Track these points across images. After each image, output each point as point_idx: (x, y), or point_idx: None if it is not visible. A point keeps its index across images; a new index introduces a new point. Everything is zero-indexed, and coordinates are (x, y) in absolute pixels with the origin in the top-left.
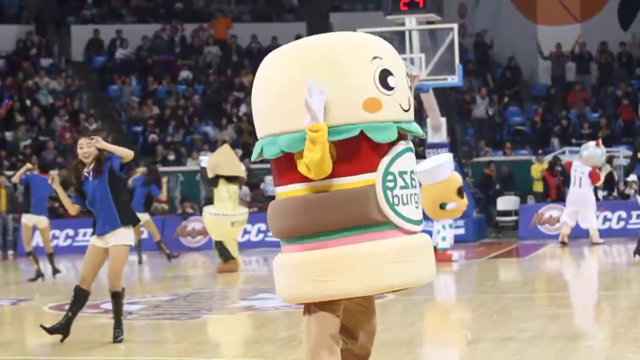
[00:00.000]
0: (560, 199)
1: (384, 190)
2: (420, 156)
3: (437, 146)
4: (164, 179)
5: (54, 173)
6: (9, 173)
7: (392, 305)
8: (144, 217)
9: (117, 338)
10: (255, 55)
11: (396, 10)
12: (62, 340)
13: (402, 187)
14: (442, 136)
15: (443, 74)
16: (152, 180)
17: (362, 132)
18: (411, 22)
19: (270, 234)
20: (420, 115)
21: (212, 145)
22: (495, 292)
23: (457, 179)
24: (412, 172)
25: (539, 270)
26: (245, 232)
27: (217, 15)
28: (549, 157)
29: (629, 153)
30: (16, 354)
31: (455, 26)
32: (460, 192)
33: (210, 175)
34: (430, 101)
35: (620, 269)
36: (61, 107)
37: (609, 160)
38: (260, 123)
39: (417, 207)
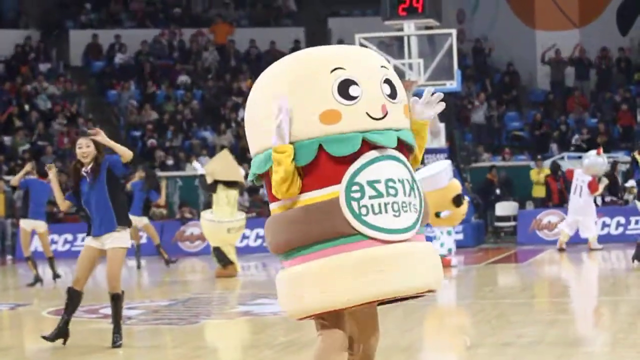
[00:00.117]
0: (563, 202)
1: (348, 202)
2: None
3: (435, 151)
4: (162, 183)
5: (52, 165)
6: (8, 178)
7: (391, 310)
8: (142, 220)
9: (116, 343)
10: (253, 60)
11: (395, 15)
12: (64, 343)
13: (372, 197)
14: (441, 141)
15: (441, 79)
16: (150, 186)
17: (321, 146)
18: (410, 28)
19: None
20: None
21: (211, 150)
22: (494, 298)
23: (455, 187)
24: (389, 180)
25: (537, 275)
26: (244, 237)
27: (217, 20)
28: (547, 163)
29: (628, 159)
30: (15, 359)
31: (453, 31)
32: (457, 201)
33: (209, 180)
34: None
35: (619, 274)
36: (59, 112)
37: (613, 166)
38: (249, 145)
39: (396, 216)
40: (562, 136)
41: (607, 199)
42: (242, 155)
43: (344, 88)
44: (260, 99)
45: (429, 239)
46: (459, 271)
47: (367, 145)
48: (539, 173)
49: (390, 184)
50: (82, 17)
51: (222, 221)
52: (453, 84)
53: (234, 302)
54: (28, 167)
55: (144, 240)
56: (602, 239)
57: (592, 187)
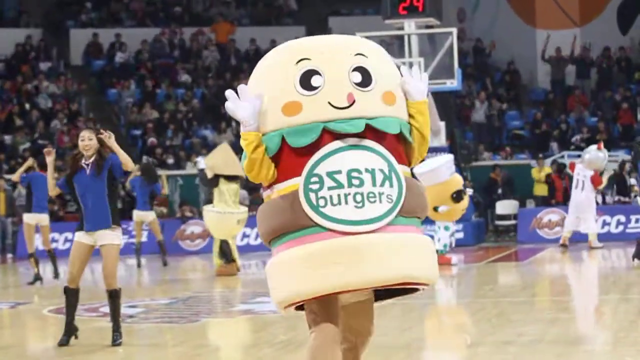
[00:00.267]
0: (567, 201)
1: (306, 193)
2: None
3: (436, 150)
4: (162, 174)
5: (51, 150)
6: (8, 176)
7: (391, 309)
8: (149, 216)
9: (116, 341)
10: (254, 59)
11: (395, 14)
12: (76, 338)
13: (331, 188)
14: (441, 140)
15: (442, 78)
16: (150, 180)
17: (284, 138)
18: (410, 27)
19: None
20: None
21: (211, 149)
22: (494, 296)
23: (456, 182)
24: (353, 170)
25: (538, 274)
26: (245, 235)
27: (217, 19)
28: (547, 161)
29: (628, 157)
30: (15, 357)
31: (454, 30)
32: (456, 196)
33: (209, 175)
34: (429, 105)
35: (619, 273)
36: (60, 111)
37: (621, 165)
38: None
39: (359, 207)
40: (562, 135)
41: (616, 198)
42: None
43: (306, 79)
44: (248, 89)
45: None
46: (459, 269)
47: (331, 135)
48: (540, 171)
49: (355, 174)
50: (83, 16)
51: (232, 212)
52: (454, 83)
53: (234, 301)
54: (29, 162)
55: (144, 239)
56: (602, 238)
57: (596, 181)
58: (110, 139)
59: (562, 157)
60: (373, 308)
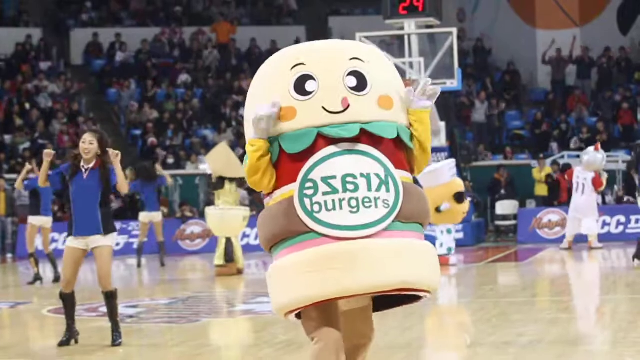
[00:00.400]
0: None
1: (300, 199)
2: None
3: (436, 150)
4: (157, 167)
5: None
6: (8, 176)
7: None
8: (158, 215)
9: (116, 342)
10: (254, 59)
11: (395, 14)
12: (76, 342)
13: (326, 193)
14: (442, 140)
15: (442, 78)
16: (148, 178)
17: (279, 144)
18: (410, 27)
19: None
20: None
21: (211, 149)
22: (494, 297)
23: (458, 184)
24: (348, 175)
25: (538, 274)
26: (245, 235)
27: (218, 19)
28: (548, 162)
29: (628, 158)
30: (15, 357)
31: (454, 30)
32: (458, 197)
33: (214, 178)
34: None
35: (619, 273)
36: (60, 111)
37: (629, 166)
38: None
39: (354, 212)
40: (562, 135)
41: (625, 199)
42: (244, 153)
43: (301, 84)
44: (248, 97)
45: (430, 238)
46: (459, 270)
47: (325, 140)
48: (540, 172)
49: (349, 179)
50: (83, 16)
51: (238, 209)
52: (454, 83)
53: (234, 301)
54: (28, 167)
55: (145, 239)
56: (602, 238)
57: (597, 183)
58: (116, 157)
59: (562, 157)
60: (372, 314)
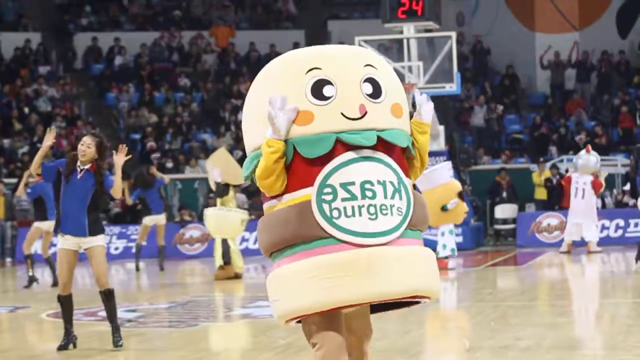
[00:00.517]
0: None
1: (319, 204)
2: None
3: (435, 154)
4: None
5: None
6: (7, 181)
7: (390, 312)
8: (162, 219)
9: (118, 343)
10: (253, 63)
11: (394, 18)
12: (74, 347)
13: (345, 199)
14: (440, 144)
15: (441, 82)
16: (145, 185)
17: (295, 147)
18: (409, 30)
19: None
20: None
21: (210, 153)
22: (493, 300)
23: (457, 184)
24: (366, 182)
25: (537, 278)
26: (243, 239)
27: (217, 23)
28: (547, 165)
29: (627, 161)
30: None
31: (453, 34)
32: (460, 196)
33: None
34: None
35: (618, 277)
36: (59, 115)
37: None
38: None
39: (373, 219)
40: (561, 139)
41: (631, 202)
42: (243, 157)
43: (318, 88)
44: (251, 100)
45: (431, 243)
46: (458, 273)
47: (343, 146)
48: (540, 175)
49: (368, 186)
50: (82, 20)
51: (238, 211)
52: (453, 87)
53: (233, 305)
54: (27, 173)
55: (143, 242)
56: (601, 242)
57: (596, 185)
58: (119, 160)
59: (562, 161)
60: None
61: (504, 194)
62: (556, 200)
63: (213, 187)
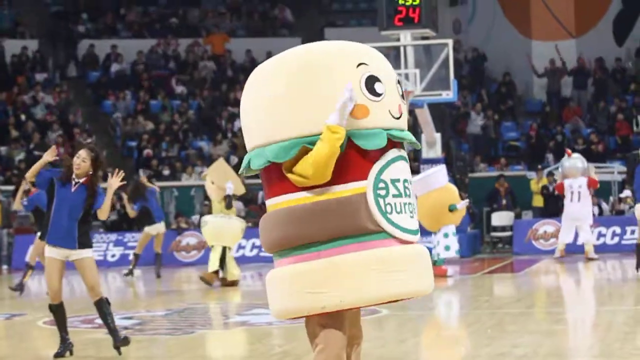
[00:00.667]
0: None
1: (376, 198)
2: (415, 171)
3: (431, 161)
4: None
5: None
6: (4, 188)
7: (387, 320)
8: (163, 227)
9: (119, 340)
10: (250, 71)
11: (391, 25)
12: (71, 354)
13: (394, 196)
14: (437, 151)
15: (438, 90)
16: (139, 197)
17: (350, 140)
18: (406, 38)
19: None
20: (414, 131)
21: (207, 161)
22: (489, 308)
23: (453, 188)
24: (405, 180)
25: (533, 285)
26: (240, 247)
27: (213, 30)
28: (544, 173)
29: (624, 169)
30: None
31: (450, 42)
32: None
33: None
34: (424, 116)
35: (615, 284)
36: (55, 122)
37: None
38: (247, 138)
39: (412, 217)
40: (558, 146)
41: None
42: (240, 165)
43: (370, 84)
44: (280, 87)
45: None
46: (455, 281)
47: (391, 143)
48: (538, 182)
49: (406, 184)
50: (79, 27)
51: (237, 219)
52: (449, 94)
53: (230, 312)
54: (23, 184)
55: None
56: (597, 249)
57: (592, 183)
58: (114, 183)
59: (557, 168)
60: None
61: (503, 201)
62: (554, 207)
63: (212, 196)
